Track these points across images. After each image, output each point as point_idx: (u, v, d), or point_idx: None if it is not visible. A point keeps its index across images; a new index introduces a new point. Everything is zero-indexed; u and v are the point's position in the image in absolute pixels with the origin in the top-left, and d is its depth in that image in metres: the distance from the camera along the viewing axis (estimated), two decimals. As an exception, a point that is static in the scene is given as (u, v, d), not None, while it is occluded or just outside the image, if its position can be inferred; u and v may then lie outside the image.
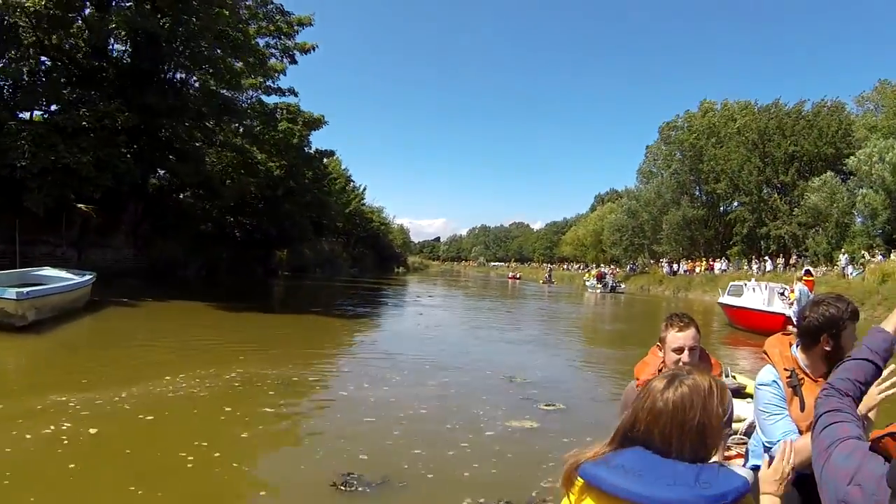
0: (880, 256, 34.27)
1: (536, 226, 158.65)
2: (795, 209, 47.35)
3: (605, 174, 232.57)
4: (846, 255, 37.42)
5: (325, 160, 44.80)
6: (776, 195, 50.47)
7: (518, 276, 79.63)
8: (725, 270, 47.05)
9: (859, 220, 43.51)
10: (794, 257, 43.67)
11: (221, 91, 26.26)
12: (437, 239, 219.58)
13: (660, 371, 2.81)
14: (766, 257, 45.40)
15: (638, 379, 3.08)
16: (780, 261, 44.23)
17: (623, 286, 55.91)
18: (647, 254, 65.18)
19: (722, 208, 59.18)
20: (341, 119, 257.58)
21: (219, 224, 34.81)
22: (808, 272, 23.14)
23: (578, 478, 1.49)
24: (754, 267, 43.94)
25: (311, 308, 22.69)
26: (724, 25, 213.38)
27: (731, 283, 26.67)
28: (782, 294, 20.71)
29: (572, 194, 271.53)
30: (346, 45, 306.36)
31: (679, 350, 2.81)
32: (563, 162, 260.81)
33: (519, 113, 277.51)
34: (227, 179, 30.87)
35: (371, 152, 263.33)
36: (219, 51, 24.82)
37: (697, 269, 50.85)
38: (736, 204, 56.45)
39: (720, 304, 25.85)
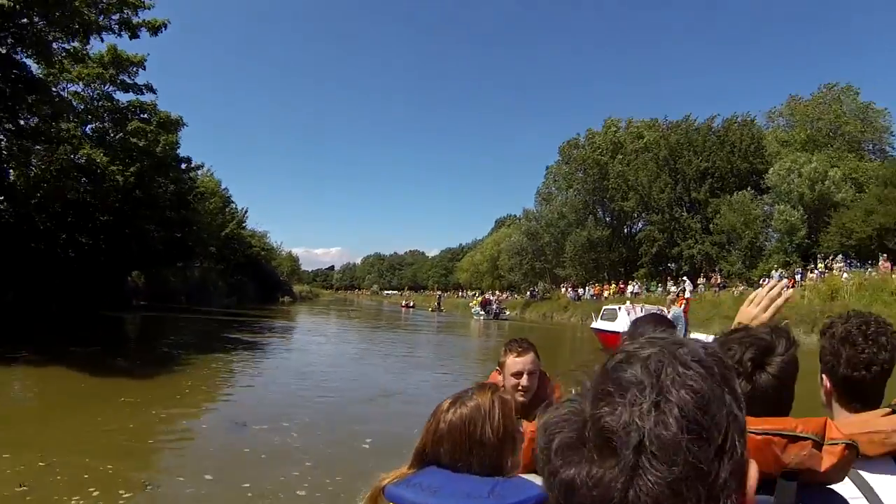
0: (817, 273, 32.38)
1: (432, 253, 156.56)
2: (711, 226, 45.65)
3: (507, 197, 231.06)
4: (779, 272, 35.43)
5: (192, 174, 38.77)
6: (687, 213, 48.60)
7: (412, 304, 77.45)
8: (638, 294, 44.30)
9: (774, 237, 42.04)
10: (719, 277, 41.60)
11: (24, 60, 19.72)
12: (332, 268, 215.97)
13: None
14: (685, 278, 43.05)
15: None
16: (702, 280, 42.17)
17: (508, 313, 52.99)
18: (548, 278, 61.93)
19: (628, 228, 57.15)
20: (240, 144, 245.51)
21: (49, 241, 27.47)
22: (682, 293, 23.34)
23: (384, 498, 1.54)
24: (672, 289, 40.74)
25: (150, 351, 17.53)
26: (628, 46, 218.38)
27: (605, 308, 26.40)
28: (660, 317, 18.98)
29: (471, 220, 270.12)
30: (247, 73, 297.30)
31: (518, 374, 2.84)
32: (464, 187, 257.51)
33: (419, 138, 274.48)
34: (41, 181, 24.29)
35: (271, 178, 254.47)
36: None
37: (606, 294, 47.68)
38: (643, 224, 54.34)
39: (592, 329, 25.58)
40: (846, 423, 1.52)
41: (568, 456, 0.61)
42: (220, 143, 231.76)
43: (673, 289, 38.60)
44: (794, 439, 1.23)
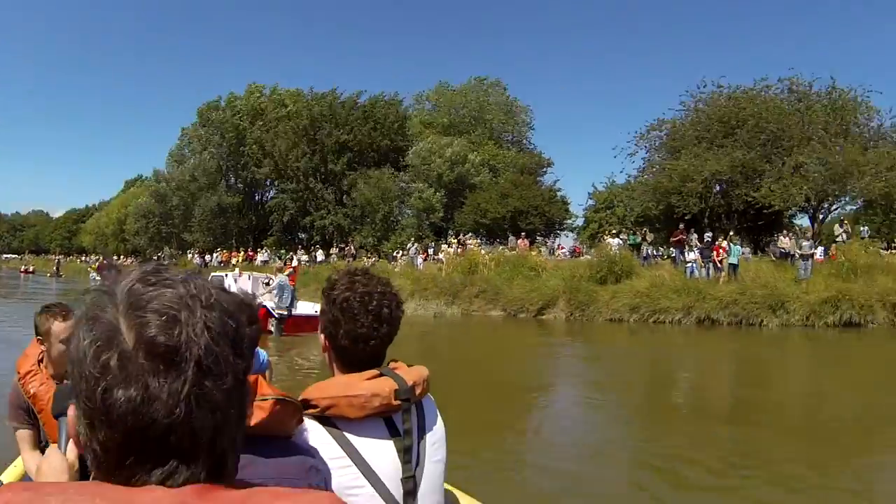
0: (454, 248, 33.15)
1: (57, 214, 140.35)
2: (346, 199, 46.96)
3: (139, 157, 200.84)
4: (414, 246, 36.79)
5: None
6: (322, 184, 49.03)
7: (31, 269, 71.00)
8: (267, 262, 42.78)
9: (409, 213, 44.92)
10: (352, 248, 41.79)
11: None
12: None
13: (40, 362, 2.99)
14: (318, 247, 43.31)
15: (20, 373, 3.03)
16: (335, 250, 42.48)
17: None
18: (175, 243, 59.62)
19: (260, 196, 57.25)
20: None
21: None
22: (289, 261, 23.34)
23: None
24: (302, 257, 40.48)
25: None
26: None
27: (213, 275, 24.67)
28: (267, 284, 20.26)
29: (101, 179, 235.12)
30: None
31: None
32: (93, 143, 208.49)
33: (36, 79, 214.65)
34: None
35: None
36: None
37: (234, 261, 44.68)
38: (275, 192, 54.03)
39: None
40: (328, 386, 1.63)
41: (120, 374, 0.64)
42: None
43: (303, 257, 39.48)
44: None
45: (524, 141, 53.55)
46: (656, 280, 23.22)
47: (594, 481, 6.22)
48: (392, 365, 1.74)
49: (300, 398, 1.53)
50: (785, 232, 27.43)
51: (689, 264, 23.81)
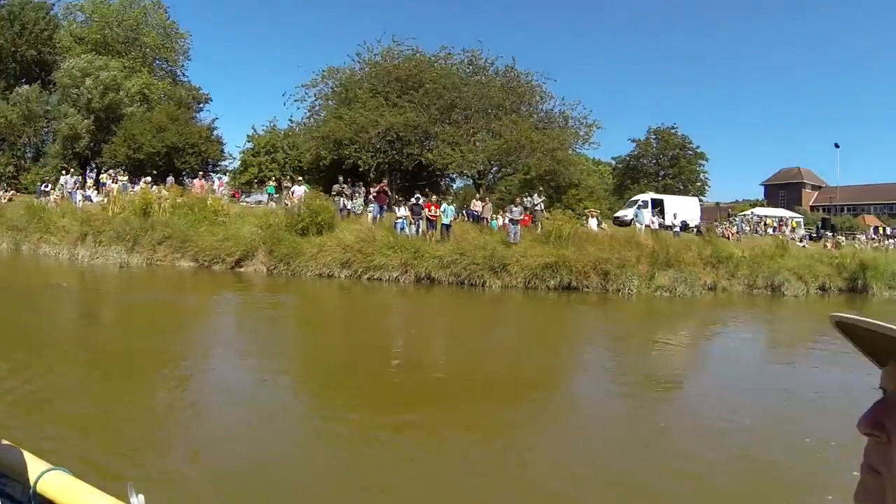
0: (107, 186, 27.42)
1: None
2: None
3: None
4: (74, 179, 28.13)
5: None
6: None
7: None
8: None
9: (47, 140, 37.90)
10: None
11: None
12: None
13: None
14: None
15: None
16: None
17: None
18: None
19: None
20: None
21: None
22: None
23: None
24: None
25: None
26: None
27: None
28: None
29: None
30: None
31: None
32: None
33: None
34: None
35: None
36: None
37: None
38: None
39: None
40: None
41: None
42: None
43: None
44: None
45: (178, 71, 45.62)
46: (365, 234, 20.56)
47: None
48: None
49: None
50: (478, 197, 27.42)
51: (399, 220, 21.60)
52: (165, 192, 24.61)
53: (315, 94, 34.54)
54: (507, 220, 22.03)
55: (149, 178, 27.84)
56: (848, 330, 0.69)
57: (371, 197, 24.11)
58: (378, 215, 23.18)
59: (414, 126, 30.41)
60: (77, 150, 35.72)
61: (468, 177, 33.80)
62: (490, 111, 31.52)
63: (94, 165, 34.23)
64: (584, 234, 22.54)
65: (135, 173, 32.89)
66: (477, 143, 30.37)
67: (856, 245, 31.34)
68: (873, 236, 38.96)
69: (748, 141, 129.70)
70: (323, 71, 34.28)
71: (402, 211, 22.11)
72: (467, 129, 30.72)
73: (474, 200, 26.37)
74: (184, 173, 35.50)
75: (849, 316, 0.68)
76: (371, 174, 30.32)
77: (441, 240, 20.86)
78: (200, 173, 29.75)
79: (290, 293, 17.55)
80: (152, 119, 36.50)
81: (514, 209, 21.97)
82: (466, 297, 18.41)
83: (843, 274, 24.67)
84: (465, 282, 19.49)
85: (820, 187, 69.73)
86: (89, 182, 28.05)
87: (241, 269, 20.16)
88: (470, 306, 17.24)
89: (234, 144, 43.72)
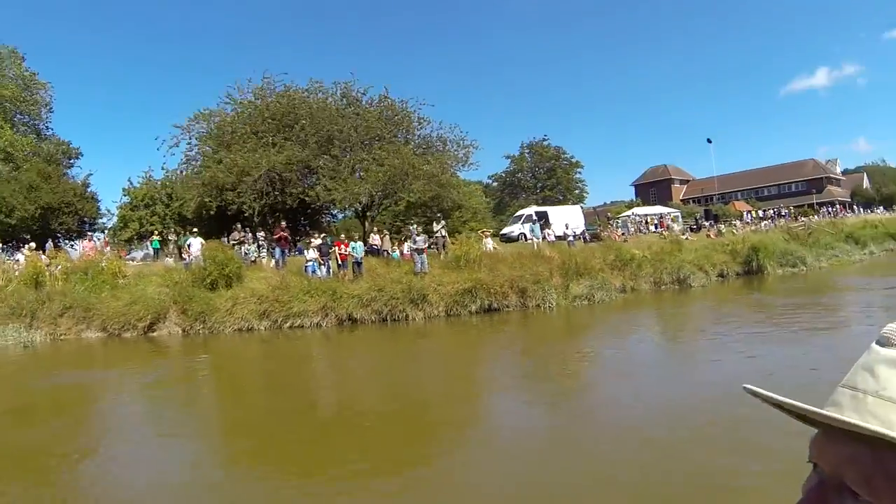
0: None
1: None
2: None
3: None
4: None
5: None
6: None
7: None
8: None
9: None
10: None
11: None
12: None
13: None
14: None
15: None
16: None
17: None
18: None
19: None
20: None
21: None
22: None
23: None
24: None
25: None
26: None
27: None
28: None
29: None
30: None
31: None
32: None
33: None
34: None
35: None
36: None
37: None
38: None
39: None
40: None
41: None
42: None
43: None
44: None
45: (41, 125, 42.33)
46: (277, 282, 20.11)
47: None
48: None
49: None
50: (376, 230, 27.40)
51: (309, 263, 21.21)
52: (51, 259, 23.02)
53: (189, 139, 33.12)
54: (408, 251, 22.11)
55: (33, 245, 25.81)
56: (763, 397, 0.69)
57: (272, 241, 23.64)
58: (281, 259, 22.78)
59: (295, 163, 29.83)
60: (-68, 221, 32.32)
61: (353, 210, 33.32)
62: (367, 142, 31.34)
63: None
64: (492, 255, 23.00)
65: (7, 240, 30.69)
66: (360, 175, 30.15)
67: (734, 231, 33.99)
68: (748, 220, 42.42)
69: (613, 143, 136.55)
70: (197, 113, 32.90)
71: (311, 253, 21.60)
72: (347, 162, 30.43)
73: (372, 234, 26.28)
74: (58, 236, 33.43)
75: (760, 391, 0.68)
76: (255, 218, 29.59)
77: (354, 278, 20.70)
78: (89, 234, 27.84)
79: (210, 352, 16.55)
80: (20, 179, 33.80)
81: (418, 238, 21.95)
82: (391, 333, 18.21)
83: (737, 259, 26.75)
84: (388, 318, 19.34)
85: (687, 181, 75.03)
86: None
87: (154, 334, 18.86)
88: (395, 343, 17.11)
89: (111, 200, 40.84)
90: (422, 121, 33.29)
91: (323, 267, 21.19)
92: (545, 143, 53.87)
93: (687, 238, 31.23)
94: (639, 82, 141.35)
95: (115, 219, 35.85)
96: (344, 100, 32.73)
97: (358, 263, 21.14)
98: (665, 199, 61.54)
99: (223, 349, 17.31)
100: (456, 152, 32.46)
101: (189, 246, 23.13)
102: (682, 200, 65.66)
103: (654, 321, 18.65)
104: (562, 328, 18.59)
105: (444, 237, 25.00)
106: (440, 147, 33.00)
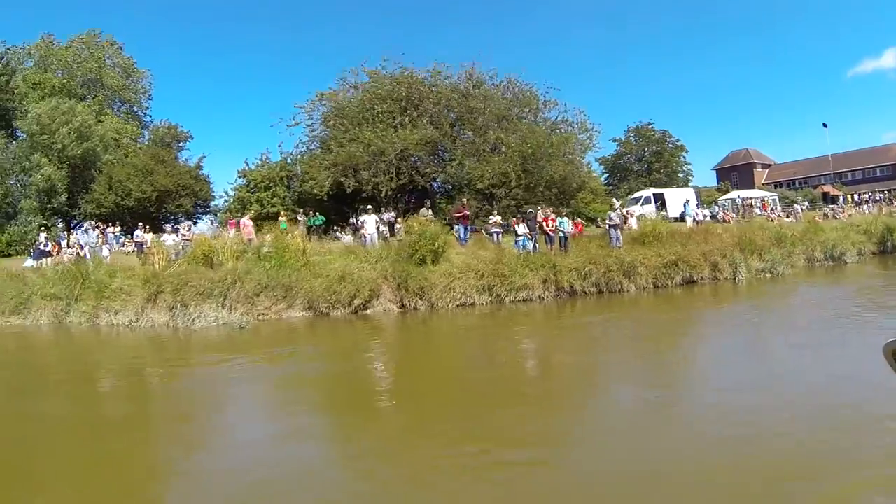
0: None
1: None
2: None
3: None
4: (95, 233, 26.92)
5: None
6: None
7: None
8: None
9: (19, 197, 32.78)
10: None
11: None
12: None
13: None
14: None
15: None
16: None
17: None
18: None
19: None
20: None
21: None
22: None
23: None
24: None
25: None
26: None
27: None
28: None
29: None
30: None
31: None
32: None
33: None
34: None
35: None
36: None
37: None
38: None
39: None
40: None
41: None
42: None
43: None
44: None
45: (140, 111, 42.21)
46: (492, 257, 20.61)
47: None
48: None
49: None
50: (540, 207, 27.62)
51: (520, 238, 21.84)
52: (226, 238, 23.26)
53: (311, 118, 33.62)
54: (607, 226, 22.82)
55: (185, 225, 26.05)
56: None
57: (455, 219, 24.20)
58: (464, 236, 23.31)
59: (428, 143, 30.24)
60: (55, 204, 32.49)
61: (481, 190, 33.52)
62: (499, 122, 31.79)
63: (76, 218, 31.58)
64: (671, 232, 23.80)
65: (128, 223, 30.89)
66: (504, 152, 30.49)
67: (839, 216, 35.11)
68: (848, 203, 43.59)
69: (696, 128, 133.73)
70: (320, 92, 33.37)
71: (522, 228, 22.25)
72: (488, 139, 30.79)
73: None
74: (172, 218, 33.71)
75: None
76: (383, 199, 30.01)
77: (561, 253, 21.31)
78: (239, 216, 27.92)
79: (514, 325, 16.51)
80: (136, 163, 33.96)
81: (613, 214, 22.89)
82: (615, 303, 18.83)
83: (872, 239, 27.87)
84: (605, 289, 20.12)
85: (769, 165, 75.19)
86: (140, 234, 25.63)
87: (368, 311, 18.90)
88: (650, 313, 17.64)
89: (226, 181, 41.17)
90: (548, 103, 33.80)
91: (531, 242, 21.76)
92: (650, 126, 54.87)
93: (791, 221, 32.22)
94: (716, 70, 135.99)
95: (231, 201, 35.85)
96: (469, 82, 33.06)
97: (564, 238, 21.70)
98: (747, 184, 62.36)
99: (505, 321, 17.16)
100: (581, 136, 33.02)
101: (363, 223, 23.56)
102: (763, 185, 66.41)
103: (858, 292, 19.23)
104: (780, 297, 19.32)
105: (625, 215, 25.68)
106: (566, 130, 33.58)
